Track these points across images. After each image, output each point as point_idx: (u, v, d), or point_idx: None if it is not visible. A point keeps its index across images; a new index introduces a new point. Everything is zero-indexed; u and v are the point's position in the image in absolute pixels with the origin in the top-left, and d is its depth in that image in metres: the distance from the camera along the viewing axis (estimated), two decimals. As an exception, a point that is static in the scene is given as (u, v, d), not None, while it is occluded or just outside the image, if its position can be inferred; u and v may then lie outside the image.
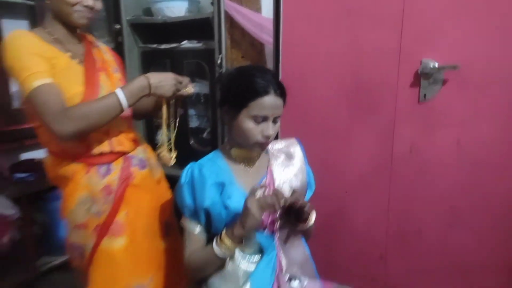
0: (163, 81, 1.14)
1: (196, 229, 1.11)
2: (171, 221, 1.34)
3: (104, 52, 1.30)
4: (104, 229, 1.18)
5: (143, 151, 1.31)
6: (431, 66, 1.37)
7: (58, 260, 2.20)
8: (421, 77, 1.40)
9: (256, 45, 2.39)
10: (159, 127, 2.42)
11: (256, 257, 1.12)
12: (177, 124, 1.26)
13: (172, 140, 1.25)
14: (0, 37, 1.92)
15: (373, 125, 1.53)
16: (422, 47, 1.40)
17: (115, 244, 1.18)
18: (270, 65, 2.29)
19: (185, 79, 1.21)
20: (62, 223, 2.13)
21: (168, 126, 1.24)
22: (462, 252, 1.43)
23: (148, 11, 2.41)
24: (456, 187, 1.41)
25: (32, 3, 2.06)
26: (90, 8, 1.14)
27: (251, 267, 1.10)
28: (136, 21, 2.33)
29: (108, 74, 1.23)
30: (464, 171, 1.39)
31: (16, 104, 2.05)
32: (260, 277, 1.09)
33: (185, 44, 2.25)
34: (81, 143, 1.15)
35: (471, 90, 1.35)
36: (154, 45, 2.35)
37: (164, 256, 1.30)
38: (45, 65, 1.07)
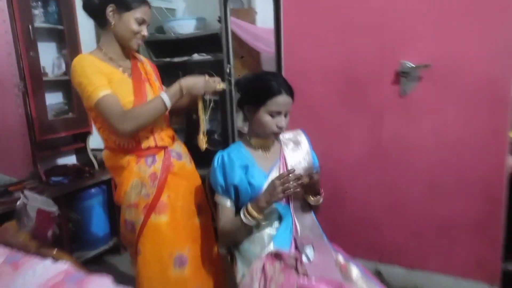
0: (195, 83, 1.43)
1: (227, 203, 1.39)
2: (203, 203, 1.61)
3: (146, 64, 1.58)
4: (151, 208, 1.44)
5: (179, 146, 1.59)
6: (408, 66, 1.68)
7: (90, 254, 2.43)
8: (400, 75, 1.70)
9: (252, 53, 2.67)
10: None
11: (276, 223, 1.40)
12: (207, 115, 1.54)
13: (204, 129, 1.52)
14: (38, 57, 2.20)
15: (364, 117, 1.83)
16: (400, 50, 1.70)
17: (160, 219, 1.45)
18: (266, 69, 2.59)
19: (217, 78, 1.50)
20: (93, 221, 2.40)
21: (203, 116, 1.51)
22: (442, 216, 1.72)
23: (160, 29, 2.71)
24: (434, 163, 1.71)
25: (61, 27, 2.34)
26: (144, 37, 1.44)
27: (273, 231, 1.38)
28: (150, 38, 2.61)
29: (151, 84, 1.52)
30: (440, 150, 1.69)
31: (50, 115, 2.32)
32: (280, 238, 1.36)
33: (195, 57, 2.55)
34: (133, 140, 1.43)
35: (442, 84, 1.66)
36: (167, 59, 2.64)
37: (198, 231, 1.56)
38: (105, 80, 1.35)
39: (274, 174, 1.41)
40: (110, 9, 1.37)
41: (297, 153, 1.51)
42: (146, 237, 1.46)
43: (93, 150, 2.62)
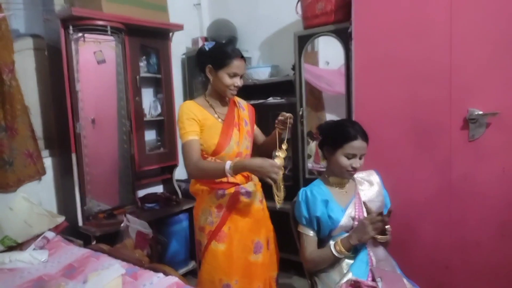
0: (262, 168, 1.46)
1: (311, 233, 1.59)
2: (264, 243, 1.74)
3: (242, 109, 1.81)
4: (213, 235, 1.67)
5: (252, 186, 1.74)
6: (476, 113, 1.80)
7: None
8: (468, 121, 1.82)
9: (314, 92, 2.89)
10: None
11: (353, 254, 1.57)
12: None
13: (282, 196, 1.59)
14: (141, 101, 2.61)
15: (432, 158, 1.94)
16: (468, 98, 1.82)
17: (218, 247, 1.66)
18: (327, 106, 2.79)
19: (286, 114, 1.69)
20: (177, 245, 2.68)
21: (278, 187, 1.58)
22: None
23: (238, 76, 3.06)
24: (504, 204, 1.77)
25: (159, 76, 2.77)
26: (238, 87, 1.70)
27: (351, 261, 1.55)
28: (231, 84, 2.97)
29: (240, 129, 1.73)
30: (509, 191, 1.76)
31: (146, 150, 2.71)
32: (358, 268, 1.52)
33: (270, 100, 2.84)
34: None
35: (510, 130, 1.76)
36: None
37: (250, 268, 1.69)
38: (195, 126, 1.62)
39: (350, 209, 1.60)
40: (207, 69, 1.67)
41: (370, 191, 1.68)
42: (206, 259, 1.69)
43: (177, 181, 2.97)
